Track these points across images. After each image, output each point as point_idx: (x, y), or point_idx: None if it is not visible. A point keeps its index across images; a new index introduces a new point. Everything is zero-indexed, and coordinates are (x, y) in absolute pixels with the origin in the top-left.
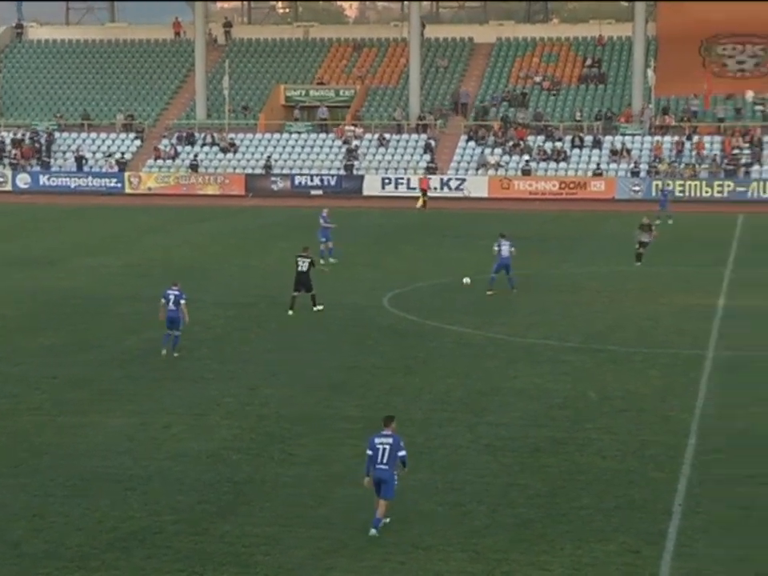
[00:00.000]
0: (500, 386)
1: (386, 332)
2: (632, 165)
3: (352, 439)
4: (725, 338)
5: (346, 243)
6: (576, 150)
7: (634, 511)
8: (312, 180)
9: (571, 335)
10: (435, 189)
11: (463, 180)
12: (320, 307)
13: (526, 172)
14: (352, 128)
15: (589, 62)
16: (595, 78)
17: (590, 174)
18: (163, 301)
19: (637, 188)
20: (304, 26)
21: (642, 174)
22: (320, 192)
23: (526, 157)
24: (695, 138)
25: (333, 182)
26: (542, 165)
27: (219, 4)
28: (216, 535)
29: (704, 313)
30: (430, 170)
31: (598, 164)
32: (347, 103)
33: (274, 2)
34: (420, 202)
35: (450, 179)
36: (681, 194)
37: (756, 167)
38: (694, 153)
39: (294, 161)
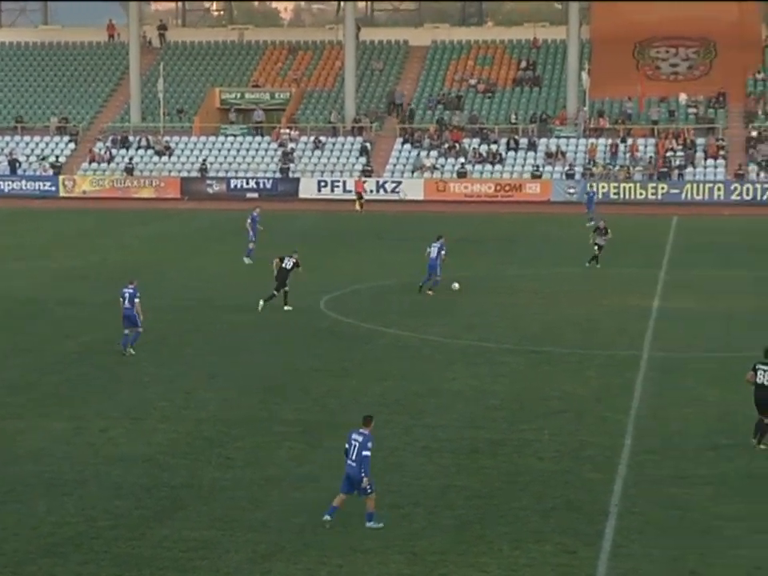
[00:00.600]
0: (437, 388)
1: (323, 335)
2: (567, 167)
3: (289, 442)
4: (659, 339)
5: (282, 246)
6: (511, 153)
7: (571, 512)
8: (248, 183)
9: (508, 337)
10: (371, 192)
11: (399, 183)
12: (289, 308)
13: (462, 174)
14: (287, 131)
15: (524, 64)
16: (530, 81)
17: (525, 176)
18: (121, 299)
19: (572, 190)
20: (239, 29)
21: (577, 177)
22: (256, 195)
23: (462, 159)
24: (629, 141)
25: (268, 185)
26: (478, 167)
27: (153, 6)
28: (153, 540)
29: (639, 314)
30: (366, 172)
31: (533, 166)
32: (283, 106)
33: (210, 3)
34: (358, 205)
35: (385, 182)
36: (615, 197)
37: (689, 169)
38: (628, 155)
39: (230, 164)
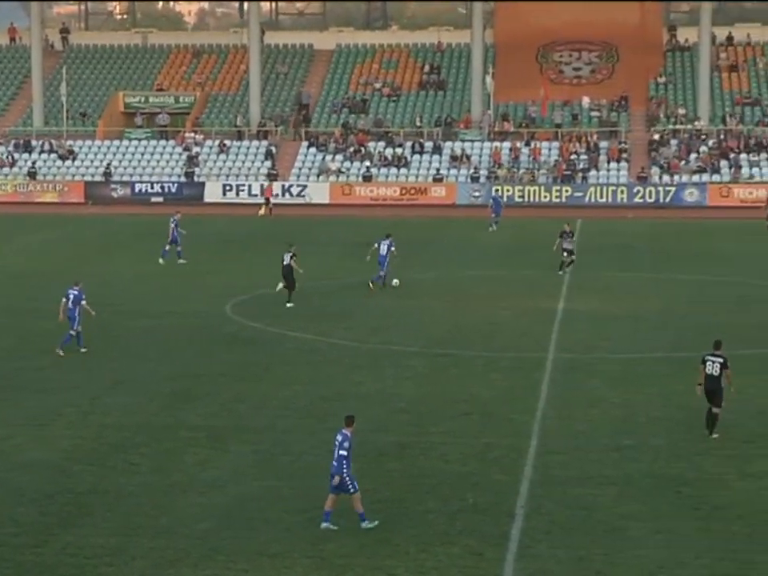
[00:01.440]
0: (344, 392)
1: (229, 340)
2: (472, 170)
3: (194, 447)
4: (564, 341)
5: (188, 250)
6: (416, 156)
7: (478, 514)
8: (152, 187)
9: (414, 340)
10: (277, 195)
11: (304, 186)
12: (291, 305)
13: (367, 178)
14: (192, 135)
15: (428, 68)
16: (435, 85)
17: (430, 179)
18: (64, 300)
19: (477, 193)
20: (142, 32)
21: (482, 180)
22: (161, 199)
23: (367, 163)
24: (533, 144)
25: (173, 189)
26: (383, 171)
27: (56, 9)
28: (58, 547)
29: (544, 316)
30: (271, 176)
31: (438, 170)
32: (187, 110)
33: (113, 6)
34: (263, 210)
35: (291, 185)
36: (520, 200)
37: (593, 172)
38: (532, 158)
39: (134, 168)
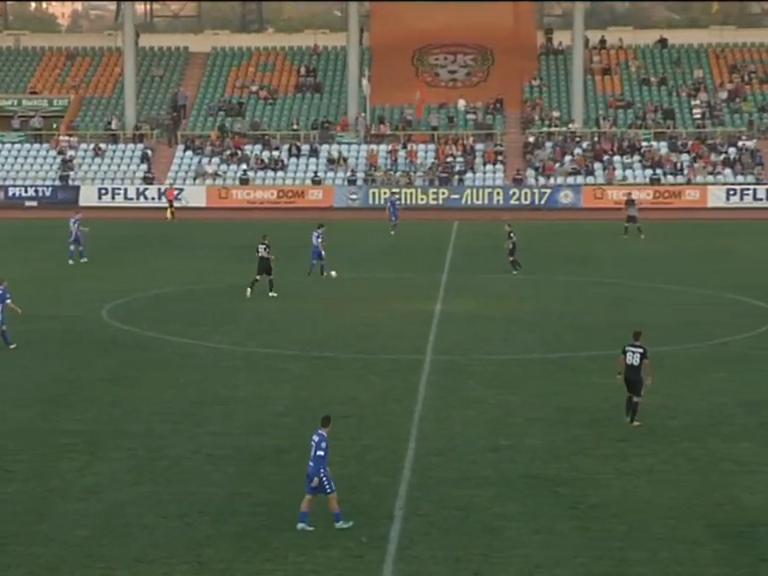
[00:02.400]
0: (221, 396)
1: (106, 344)
2: (349, 173)
3: (72, 453)
4: (442, 343)
5: (63, 254)
6: (293, 159)
7: (357, 516)
8: (26, 191)
9: (292, 343)
10: (153, 199)
11: (181, 190)
12: (275, 294)
13: (244, 181)
14: (67, 138)
15: (304, 71)
16: (311, 87)
17: (307, 182)
18: None
19: (354, 196)
20: (15, 34)
21: (359, 182)
22: (35, 203)
23: (244, 166)
24: (410, 147)
25: (48, 193)
26: (260, 174)
27: None
28: None
29: (422, 318)
30: (148, 179)
31: (316, 172)
32: (61, 113)
33: None
34: (169, 213)
35: (166, 189)
36: (397, 202)
37: (469, 175)
38: (408, 161)
39: (8, 171)
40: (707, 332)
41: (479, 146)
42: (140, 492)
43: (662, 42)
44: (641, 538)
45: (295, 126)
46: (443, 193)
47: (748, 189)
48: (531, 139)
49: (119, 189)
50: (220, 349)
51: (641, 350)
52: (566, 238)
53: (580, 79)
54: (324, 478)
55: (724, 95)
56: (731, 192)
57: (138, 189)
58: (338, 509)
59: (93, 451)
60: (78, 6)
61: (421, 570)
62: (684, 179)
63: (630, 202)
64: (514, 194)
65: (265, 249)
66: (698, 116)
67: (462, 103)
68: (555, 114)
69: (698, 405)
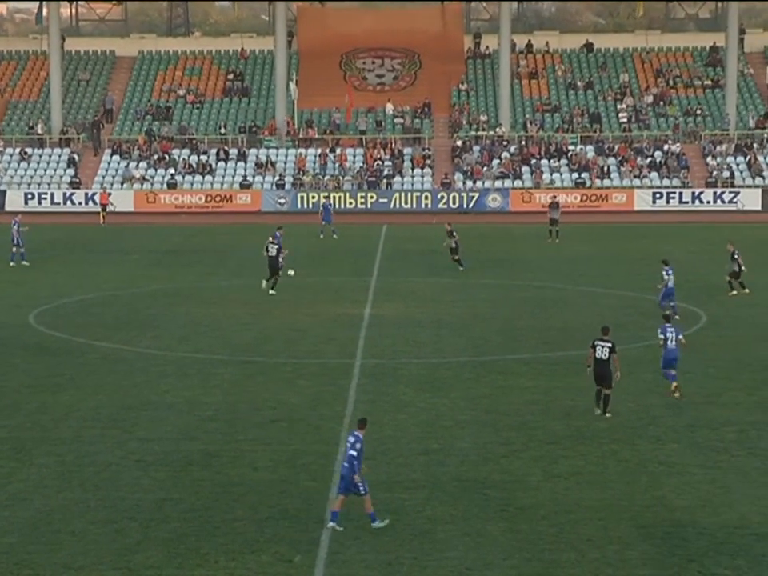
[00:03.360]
0: (150, 401)
1: (32, 350)
2: (277, 177)
3: None
4: (371, 347)
5: None
6: (221, 164)
7: (288, 521)
8: None
9: (221, 348)
10: (80, 203)
11: (109, 194)
12: (273, 292)
13: (172, 185)
14: None
15: (232, 75)
16: (239, 92)
17: (235, 186)
18: None
19: (282, 200)
20: None
21: (287, 187)
22: None
23: (172, 170)
24: (338, 151)
25: None
26: (188, 178)
27: None
28: None
29: (351, 322)
30: (74, 184)
31: (244, 177)
32: None
33: None
34: (102, 218)
35: (94, 194)
36: (331, 207)
37: (397, 179)
38: (337, 165)
39: None
40: (634, 334)
41: (407, 150)
42: (68, 498)
43: (588, 46)
44: (570, 539)
45: (223, 131)
46: (372, 197)
47: (674, 192)
48: (459, 143)
49: (45, 194)
50: (149, 354)
51: (609, 345)
52: (494, 242)
53: (507, 83)
54: (359, 478)
55: (650, 99)
56: (657, 195)
57: (64, 193)
58: (373, 509)
59: (19, 458)
60: (2, 9)
61: (352, 574)
62: (611, 182)
63: (554, 205)
64: (443, 197)
65: (276, 249)
66: (624, 120)
67: (389, 107)
68: (483, 118)
69: (625, 406)
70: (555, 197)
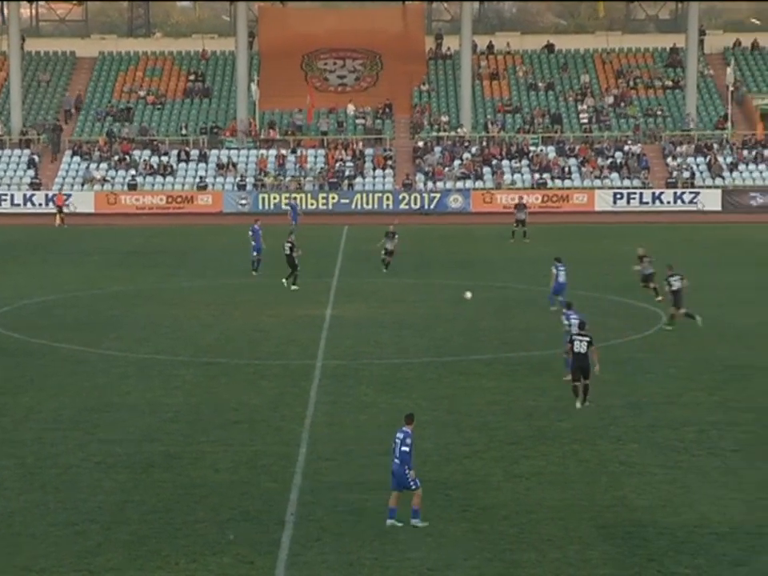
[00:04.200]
0: (112, 403)
1: None
2: (238, 178)
3: None
4: (333, 348)
5: None
6: (182, 164)
7: (249, 522)
8: None
9: (182, 349)
10: (40, 204)
11: (69, 195)
12: (296, 287)
13: (132, 187)
14: None
15: (193, 76)
16: (200, 92)
17: (196, 187)
18: None
19: (244, 201)
20: None
21: (249, 188)
22: None
23: (132, 171)
24: (299, 152)
25: None
26: (149, 179)
27: None
28: None
29: (313, 323)
30: (34, 185)
31: (204, 178)
32: None
33: None
34: (58, 219)
35: (55, 195)
36: (287, 207)
37: (359, 179)
38: (298, 166)
39: None
40: (594, 335)
41: (369, 151)
42: (29, 500)
43: (549, 47)
44: (531, 539)
45: (184, 131)
46: (333, 198)
47: (634, 193)
48: (420, 144)
49: (5, 195)
50: (110, 355)
51: (587, 338)
52: (455, 242)
53: (468, 84)
54: (412, 473)
55: (610, 100)
56: (618, 196)
57: (24, 195)
58: (420, 506)
59: None
60: None
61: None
62: (572, 183)
63: (521, 206)
64: (404, 198)
65: (290, 248)
66: (585, 121)
67: (351, 108)
68: (444, 118)
69: (587, 407)
70: (522, 198)
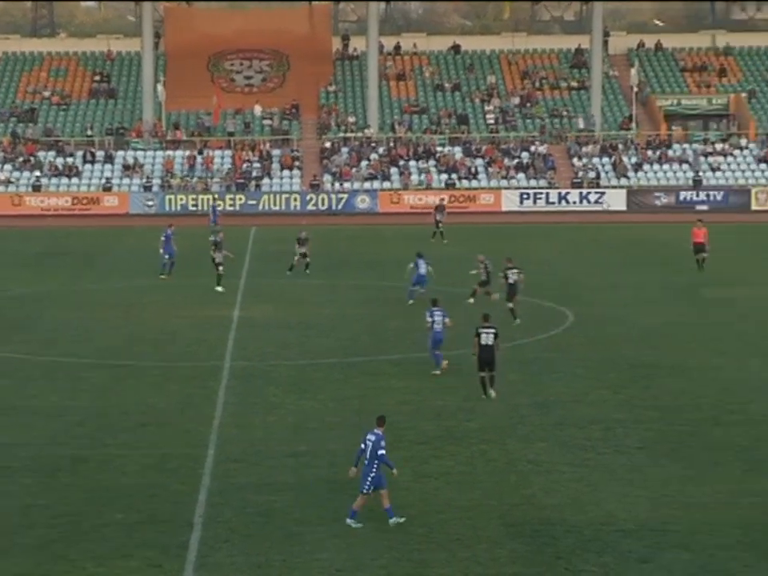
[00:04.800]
0: (17, 406)
1: None
2: (144, 179)
3: None
4: (241, 349)
5: None
6: (88, 166)
7: (157, 525)
8: None
9: (89, 351)
10: None
11: None
12: (219, 289)
13: (37, 188)
14: None
15: (98, 76)
16: (105, 93)
17: (102, 189)
18: None
19: (150, 203)
20: None
21: (155, 189)
22: None
23: (37, 172)
24: (206, 152)
25: None
26: (54, 180)
27: None
28: None
29: (220, 324)
30: None
31: (110, 179)
32: None
33: None
34: None
35: None
36: (194, 208)
37: (266, 180)
38: (205, 167)
39: None
40: (502, 335)
41: (276, 152)
42: None
43: (456, 48)
44: (440, 539)
45: (89, 132)
46: (240, 199)
47: (541, 193)
48: (328, 145)
49: None
50: (15, 358)
51: (493, 330)
52: (363, 243)
53: (375, 85)
54: (372, 476)
55: (516, 101)
56: (524, 196)
57: None
58: (390, 504)
59: None
60: None
61: None
62: (478, 183)
63: (440, 207)
64: (311, 199)
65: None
66: (492, 121)
67: (258, 109)
68: (351, 119)
69: (494, 406)
70: (443, 199)
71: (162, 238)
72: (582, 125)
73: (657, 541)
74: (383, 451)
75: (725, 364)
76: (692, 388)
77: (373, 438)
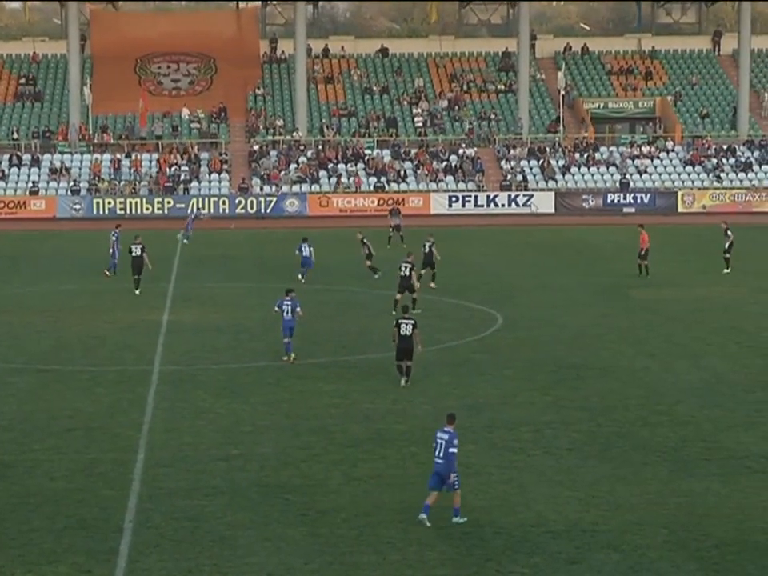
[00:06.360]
0: None
1: None
2: (71, 183)
3: None
4: (170, 353)
5: None
6: (14, 169)
7: (85, 530)
8: None
9: (16, 356)
10: None
11: None
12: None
13: None
14: None
15: (24, 80)
16: (31, 96)
17: (28, 192)
18: None
19: (78, 206)
20: None
21: (83, 192)
22: None
23: None
24: (134, 156)
25: None
26: None
27: None
28: None
29: (149, 329)
30: None
31: (37, 183)
32: None
33: None
34: None
35: None
36: (122, 212)
37: (195, 184)
38: (133, 170)
39: None
40: (432, 337)
41: (204, 155)
42: None
43: (383, 51)
44: (371, 541)
45: (15, 136)
46: (168, 202)
47: (469, 195)
48: (256, 148)
49: None
50: None
51: (412, 322)
52: (291, 246)
53: (303, 88)
54: (455, 475)
55: (444, 104)
56: (453, 199)
57: None
58: (459, 504)
59: None
60: None
61: None
62: (407, 186)
63: (395, 211)
64: (240, 202)
65: (141, 249)
66: (420, 124)
67: (185, 112)
68: (279, 122)
69: (424, 409)
70: (397, 202)
71: (113, 238)
72: (509, 128)
73: (586, 541)
74: (455, 449)
75: (652, 365)
76: (620, 389)
77: (446, 436)
